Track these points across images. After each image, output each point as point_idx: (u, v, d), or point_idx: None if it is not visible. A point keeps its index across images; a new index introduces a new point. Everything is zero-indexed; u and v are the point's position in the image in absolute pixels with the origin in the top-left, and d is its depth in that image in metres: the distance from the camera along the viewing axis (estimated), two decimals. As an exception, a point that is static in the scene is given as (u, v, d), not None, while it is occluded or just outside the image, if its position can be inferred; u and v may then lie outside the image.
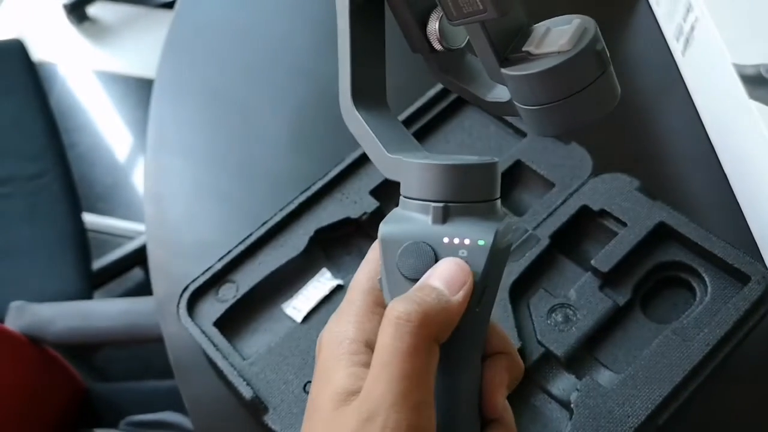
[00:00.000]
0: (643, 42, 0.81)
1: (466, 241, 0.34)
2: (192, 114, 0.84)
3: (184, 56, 0.90)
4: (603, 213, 0.61)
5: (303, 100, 0.82)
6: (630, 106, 0.76)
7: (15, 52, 1.36)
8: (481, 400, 0.37)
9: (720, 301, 0.56)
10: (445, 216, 0.35)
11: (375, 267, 0.38)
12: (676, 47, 0.77)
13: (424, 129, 0.71)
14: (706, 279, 0.57)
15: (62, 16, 2.20)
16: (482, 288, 0.35)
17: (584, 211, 0.62)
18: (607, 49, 0.32)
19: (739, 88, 0.63)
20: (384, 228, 0.36)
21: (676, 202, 0.61)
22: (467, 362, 0.37)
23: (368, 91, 0.40)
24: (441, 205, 0.35)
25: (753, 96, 0.62)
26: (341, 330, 0.36)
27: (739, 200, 0.67)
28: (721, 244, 0.57)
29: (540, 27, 0.33)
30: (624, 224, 0.60)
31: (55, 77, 2.11)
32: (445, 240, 0.35)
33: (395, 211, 0.37)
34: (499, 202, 0.37)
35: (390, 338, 0.32)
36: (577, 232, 0.62)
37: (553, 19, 0.33)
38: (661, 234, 0.59)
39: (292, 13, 0.91)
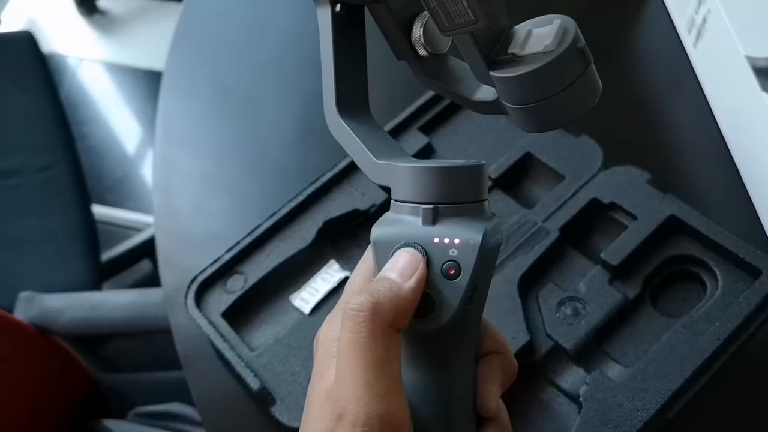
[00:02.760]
0: (654, 34, 0.81)
1: (456, 241, 0.35)
2: (200, 106, 0.84)
3: (193, 49, 0.90)
4: (613, 206, 0.61)
5: (312, 91, 0.81)
6: (641, 98, 0.76)
7: (25, 44, 1.36)
8: (476, 399, 0.38)
9: (731, 295, 0.55)
10: (435, 217, 0.35)
11: (369, 266, 0.38)
12: (687, 39, 0.76)
13: (433, 121, 0.71)
14: (717, 273, 0.57)
15: (72, 8, 2.20)
16: (473, 287, 0.35)
17: (594, 204, 0.61)
18: (587, 47, 0.32)
19: (752, 81, 0.62)
20: (376, 231, 0.36)
21: (687, 195, 0.60)
22: (459, 361, 0.37)
23: (352, 100, 0.40)
24: (431, 206, 0.35)
25: (766, 89, 0.61)
26: (336, 328, 0.36)
27: (750, 193, 0.67)
28: (732, 238, 0.57)
29: (522, 28, 0.34)
30: (634, 217, 0.59)
31: (64, 69, 2.11)
32: (436, 240, 0.35)
33: (387, 215, 0.37)
34: (487, 202, 0.37)
35: (347, 331, 0.33)
36: (587, 225, 0.62)
37: (532, 20, 0.34)
38: (671, 227, 0.59)
39: (300, 5, 0.90)
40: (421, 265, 0.34)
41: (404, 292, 0.34)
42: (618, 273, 0.58)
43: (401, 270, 0.34)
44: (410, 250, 0.35)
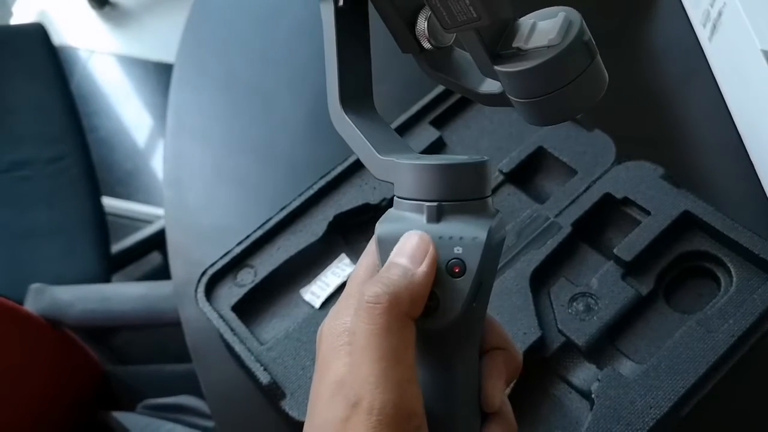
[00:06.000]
0: (668, 28, 0.80)
1: (461, 239, 0.35)
2: (211, 99, 0.84)
3: (204, 41, 0.90)
4: (626, 201, 0.60)
5: (323, 84, 0.81)
6: (655, 92, 0.75)
7: (36, 36, 1.36)
8: (480, 395, 0.38)
9: (746, 292, 0.55)
10: (439, 215, 0.35)
11: (372, 260, 0.38)
12: (702, 33, 0.75)
13: (444, 115, 0.70)
14: (732, 269, 0.56)
15: (83, 0, 2.20)
16: (478, 284, 0.35)
17: (607, 199, 0.61)
18: (593, 39, 0.31)
19: (768, 75, 0.62)
20: (380, 228, 0.36)
21: (701, 190, 0.60)
22: (463, 358, 0.37)
23: (356, 95, 0.40)
24: (435, 204, 0.35)
25: (782, 83, 0.61)
26: (340, 323, 0.36)
27: (765, 189, 0.66)
28: (747, 234, 0.56)
29: (526, 21, 0.33)
30: (648, 212, 0.59)
31: (75, 61, 2.11)
32: (440, 238, 0.35)
33: (390, 212, 0.37)
34: (490, 199, 0.37)
35: (363, 322, 0.33)
36: (600, 220, 0.61)
37: (537, 12, 0.33)
38: (685, 223, 0.58)
39: (313, -4, 0.90)
40: (431, 248, 0.34)
41: (418, 278, 0.34)
42: (631, 269, 0.58)
43: (411, 254, 0.34)
44: (418, 232, 0.35)
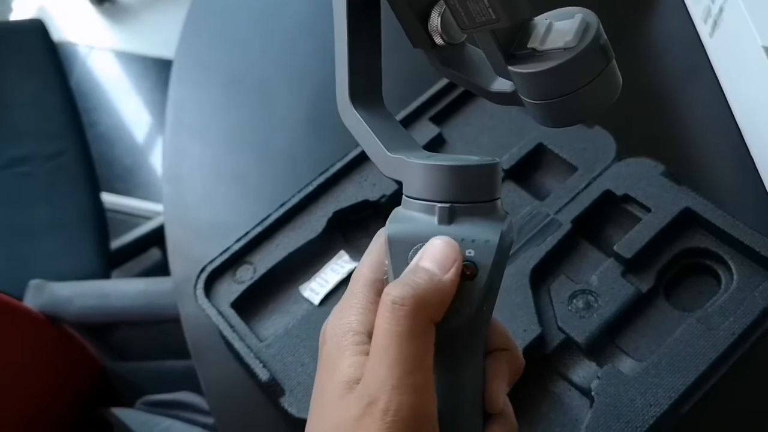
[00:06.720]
0: (669, 24, 0.80)
1: (473, 241, 0.34)
2: (210, 95, 0.84)
3: (204, 37, 0.89)
4: (627, 198, 0.60)
5: (322, 81, 0.81)
6: (656, 89, 0.75)
7: (36, 32, 1.36)
8: (483, 395, 0.38)
9: (747, 289, 0.55)
10: (451, 216, 0.35)
11: (376, 259, 0.38)
12: (703, 29, 0.75)
13: (445, 111, 0.70)
14: (732, 266, 0.56)
15: (82, -4, 2.20)
16: (488, 286, 0.35)
17: (607, 196, 0.61)
18: (609, 43, 0.31)
19: (770, 72, 0.61)
20: (391, 228, 0.36)
21: (702, 187, 0.60)
22: (470, 358, 0.37)
23: (366, 91, 0.40)
24: (447, 205, 0.35)
25: (784, 80, 0.60)
26: (344, 322, 0.36)
27: (766, 186, 0.66)
28: (748, 231, 0.56)
29: (542, 21, 0.33)
30: (648, 209, 0.59)
31: (75, 57, 2.11)
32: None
33: (398, 211, 0.37)
34: (500, 201, 0.37)
35: (387, 323, 0.32)
36: (600, 217, 0.61)
37: (553, 12, 0.33)
38: (686, 220, 0.58)
39: (312, -8, 0.90)
40: (459, 257, 0.34)
41: (444, 285, 0.33)
42: (631, 266, 0.57)
43: (441, 261, 0.34)
44: (447, 239, 0.34)
